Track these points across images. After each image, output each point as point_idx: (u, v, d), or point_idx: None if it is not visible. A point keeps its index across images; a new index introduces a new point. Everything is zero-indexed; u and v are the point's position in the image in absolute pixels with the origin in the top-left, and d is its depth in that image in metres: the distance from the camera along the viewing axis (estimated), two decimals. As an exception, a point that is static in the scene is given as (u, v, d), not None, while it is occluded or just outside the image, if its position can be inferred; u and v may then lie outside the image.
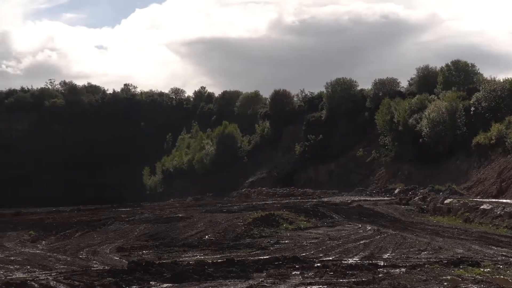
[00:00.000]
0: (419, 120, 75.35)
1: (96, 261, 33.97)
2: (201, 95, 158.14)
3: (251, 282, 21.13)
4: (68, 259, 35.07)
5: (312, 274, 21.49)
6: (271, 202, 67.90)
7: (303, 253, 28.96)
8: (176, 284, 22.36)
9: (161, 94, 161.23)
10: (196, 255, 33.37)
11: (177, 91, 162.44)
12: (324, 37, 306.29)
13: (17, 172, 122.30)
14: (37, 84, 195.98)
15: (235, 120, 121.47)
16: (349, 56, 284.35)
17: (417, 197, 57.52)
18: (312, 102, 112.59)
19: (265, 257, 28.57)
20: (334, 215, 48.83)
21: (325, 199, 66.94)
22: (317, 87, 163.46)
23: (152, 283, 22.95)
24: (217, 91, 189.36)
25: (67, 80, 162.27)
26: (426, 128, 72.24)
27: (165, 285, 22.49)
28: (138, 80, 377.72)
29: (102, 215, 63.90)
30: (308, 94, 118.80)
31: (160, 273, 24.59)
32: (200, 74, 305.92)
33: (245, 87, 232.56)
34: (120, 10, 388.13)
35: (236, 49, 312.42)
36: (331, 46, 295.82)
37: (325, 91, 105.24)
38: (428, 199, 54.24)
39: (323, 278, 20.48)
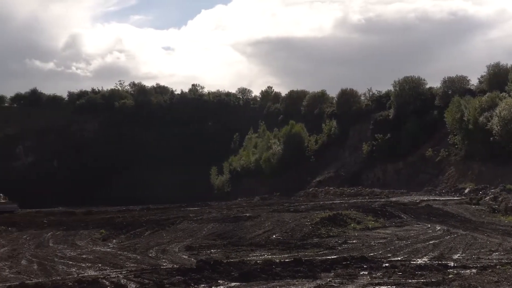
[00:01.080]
0: (490, 118, 73.52)
1: (165, 259, 34.49)
2: (268, 95, 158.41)
3: (318, 282, 21.04)
4: (138, 258, 35.72)
5: (380, 274, 21.24)
6: (339, 201, 67.50)
7: (371, 253, 28.67)
8: (243, 283, 22.47)
9: (228, 94, 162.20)
10: (264, 255, 33.47)
11: (244, 91, 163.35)
12: (390, 35, 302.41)
13: (88, 172, 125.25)
14: (106, 85, 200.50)
15: (302, 119, 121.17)
16: (416, 54, 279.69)
17: (488, 197, 56.19)
18: (380, 101, 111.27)
19: (332, 257, 28.41)
20: (402, 215, 48.12)
21: (393, 199, 66.07)
22: (384, 85, 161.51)
23: (220, 281, 23.14)
24: (283, 90, 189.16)
25: (135, 81, 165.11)
26: (497, 127, 70.47)
27: (233, 284, 22.64)
28: (204, 80, 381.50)
29: (171, 214, 64.85)
30: (376, 92, 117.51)
31: (228, 272, 24.76)
32: (266, 74, 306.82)
33: (311, 87, 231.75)
34: (186, 11, 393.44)
35: (301, 48, 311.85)
36: (398, 44, 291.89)
37: (392, 90, 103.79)
38: (499, 199, 52.91)
39: (392, 278, 20.22)
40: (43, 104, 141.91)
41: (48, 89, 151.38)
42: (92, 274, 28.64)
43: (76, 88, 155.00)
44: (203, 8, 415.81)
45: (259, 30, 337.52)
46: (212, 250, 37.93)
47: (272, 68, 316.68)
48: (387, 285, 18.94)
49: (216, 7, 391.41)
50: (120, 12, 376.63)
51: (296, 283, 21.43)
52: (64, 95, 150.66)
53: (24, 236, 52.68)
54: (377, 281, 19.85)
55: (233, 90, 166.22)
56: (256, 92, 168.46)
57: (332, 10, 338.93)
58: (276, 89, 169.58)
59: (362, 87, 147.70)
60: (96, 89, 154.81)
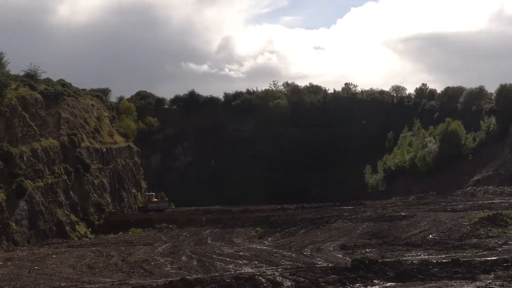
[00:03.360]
0: None
1: (320, 258, 34.63)
2: (422, 92, 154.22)
3: (478, 283, 20.22)
4: (293, 256, 36.15)
5: (547, 278, 20.04)
6: (498, 201, 64.63)
7: (535, 255, 27.14)
8: (399, 283, 22.04)
9: (381, 92, 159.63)
10: (420, 255, 32.69)
11: (397, 89, 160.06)
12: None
13: (243, 171, 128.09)
14: (258, 86, 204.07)
15: (459, 116, 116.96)
16: None
17: None
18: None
19: (492, 258, 27.24)
20: None
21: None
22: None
23: (376, 281, 22.83)
24: (438, 87, 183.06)
25: (289, 82, 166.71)
26: None
27: (388, 284, 22.25)
28: (356, 79, 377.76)
29: (325, 213, 65.08)
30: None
31: (384, 272, 24.40)
32: (419, 71, 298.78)
33: (466, 83, 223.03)
34: (336, 10, 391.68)
35: (455, 44, 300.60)
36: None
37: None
38: None
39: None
40: (200, 105, 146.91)
41: (202, 91, 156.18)
42: (249, 271, 29.31)
43: (228, 89, 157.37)
44: (353, 6, 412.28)
45: (411, 26, 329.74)
46: (367, 250, 37.58)
47: (425, 64, 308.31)
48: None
49: (366, 5, 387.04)
50: (271, 14, 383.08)
51: (454, 284, 20.68)
52: (220, 96, 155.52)
53: (184, 233, 55.04)
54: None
55: (386, 88, 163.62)
56: (410, 89, 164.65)
57: (486, 3, 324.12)
58: (430, 86, 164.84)
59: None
60: (251, 90, 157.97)
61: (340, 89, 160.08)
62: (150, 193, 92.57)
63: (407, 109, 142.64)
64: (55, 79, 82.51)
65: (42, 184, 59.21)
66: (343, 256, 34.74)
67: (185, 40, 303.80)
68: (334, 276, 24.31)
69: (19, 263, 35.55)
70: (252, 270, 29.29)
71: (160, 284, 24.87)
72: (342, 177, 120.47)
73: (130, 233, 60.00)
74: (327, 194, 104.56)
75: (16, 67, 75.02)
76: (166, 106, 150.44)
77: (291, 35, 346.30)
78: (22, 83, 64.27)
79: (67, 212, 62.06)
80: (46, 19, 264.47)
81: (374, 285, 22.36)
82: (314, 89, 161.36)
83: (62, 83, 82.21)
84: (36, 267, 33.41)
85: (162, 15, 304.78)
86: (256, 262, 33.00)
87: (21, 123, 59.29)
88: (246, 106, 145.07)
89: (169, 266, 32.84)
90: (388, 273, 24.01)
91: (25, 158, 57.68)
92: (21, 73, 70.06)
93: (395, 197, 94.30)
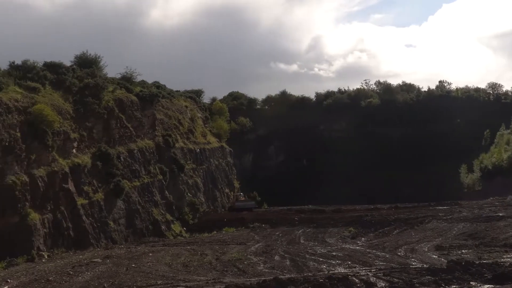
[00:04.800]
0: None
1: (414, 259, 33.99)
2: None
3: None
4: (387, 256, 35.64)
5: None
6: None
7: None
8: (497, 286, 21.39)
9: (477, 89, 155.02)
10: (520, 257, 31.58)
11: (494, 86, 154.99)
12: None
13: (335, 171, 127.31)
14: (348, 85, 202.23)
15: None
16: None
17: None
18: None
19: None
20: None
21: None
22: None
23: (472, 283, 22.24)
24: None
25: (381, 80, 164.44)
26: None
27: (485, 286, 21.65)
28: (448, 76, 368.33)
29: (419, 213, 63.80)
30: None
31: (481, 274, 23.73)
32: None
33: None
34: (427, 7, 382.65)
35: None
36: None
37: None
38: None
39: None
40: (292, 105, 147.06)
41: (292, 90, 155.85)
42: (342, 271, 29.12)
43: (318, 89, 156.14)
44: (445, 3, 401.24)
45: (505, 21, 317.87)
46: (463, 251, 36.62)
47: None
48: None
49: (458, 1, 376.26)
50: (362, 12, 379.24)
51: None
52: (310, 95, 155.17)
53: (277, 233, 55.23)
54: None
55: (481, 85, 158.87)
56: (507, 86, 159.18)
57: None
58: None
59: None
60: (342, 89, 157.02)
61: (433, 87, 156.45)
62: (238, 193, 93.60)
63: (504, 107, 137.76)
64: (150, 81, 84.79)
65: (138, 183, 60.90)
66: (438, 257, 33.97)
67: (275, 40, 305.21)
68: (429, 277, 23.85)
69: (117, 261, 36.66)
70: (345, 271, 29.08)
71: (254, 283, 25.05)
72: (436, 177, 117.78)
73: (223, 232, 60.70)
74: (421, 193, 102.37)
75: (112, 70, 77.58)
76: (258, 106, 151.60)
77: (382, 33, 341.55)
78: (118, 86, 66.35)
79: (162, 211, 63.55)
80: (139, 22, 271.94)
81: (471, 287, 21.76)
82: (407, 88, 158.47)
83: (157, 85, 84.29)
84: (133, 265, 34.36)
85: (251, 16, 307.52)
86: (349, 263, 32.74)
87: (118, 125, 61.19)
88: (337, 105, 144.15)
89: (262, 265, 33.05)
90: (486, 275, 23.34)
91: (122, 159, 59.50)
92: (118, 76, 72.38)
93: (492, 197, 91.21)
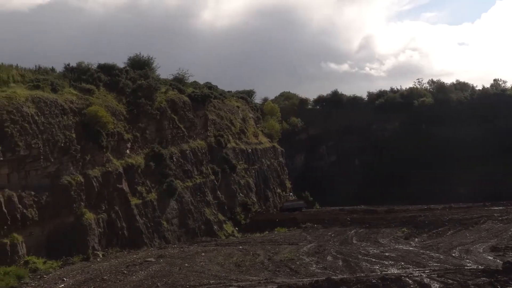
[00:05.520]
0: None
1: (469, 260, 33.40)
2: None
3: None
4: (441, 257, 35.10)
5: None
6: None
7: None
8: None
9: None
10: None
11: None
12: None
13: (388, 171, 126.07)
14: (399, 84, 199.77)
15: None
16: None
17: None
18: None
19: None
20: None
21: None
22: None
23: (530, 286, 21.73)
24: None
25: (434, 79, 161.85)
26: None
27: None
28: (503, 74, 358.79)
29: (474, 213, 62.66)
30: None
31: (539, 276, 23.19)
32: None
33: None
34: (480, 4, 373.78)
35: None
36: None
37: None
38: None
39: None
40: (343, 104, 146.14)
41: (343, 90, 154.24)
42: (395, 272, 28.81)
43: (369, 88, 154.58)
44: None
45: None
46: (520, 252, 35.85)
47: None
48: None
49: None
50: (413, 10, 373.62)
51: None
52: (360, 95, 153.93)
53: (329, 233, 54.98)
54: None
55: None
56: None
57: None
58: None
59: None
60: (395, 88, 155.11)
61: (488, 86, 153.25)
62: (288, 193, 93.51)
63: None
64: (201, 82, 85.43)
65: (191, 184, 61.44)
66: (494, 258, 33.30)
67: (325, 40, 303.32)
68: (484, 278, 23.41)
69: (170, 260, 37.03)
70: (398, 271, 28.76)
71: (306, 284, 25.00)
72: (492, 176, 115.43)
73: (275, 232, 60.71)
74: (475, 193, 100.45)
75: (164, 72, 78.46)
76: (309, 106, 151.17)
77: (434, 32, 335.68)
78: (171, 87, 67.08)
79: (215, 211, 63.96)
80: (190, 24, 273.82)
81: (529, 289, 21.25)
82: (460, 86, 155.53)
83: (209, 86, 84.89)
84: (186, 264, 34.65)
85: (302, 16, 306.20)
86: (402, 263, 32.37)
87: (171, 125, 61.86)
88: (390, 104, 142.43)
89: (314, 266, 32.94)
90: (545, 277, 22.77)
91: (174, 159, 60.13)
92: (170, 77, 73.18)
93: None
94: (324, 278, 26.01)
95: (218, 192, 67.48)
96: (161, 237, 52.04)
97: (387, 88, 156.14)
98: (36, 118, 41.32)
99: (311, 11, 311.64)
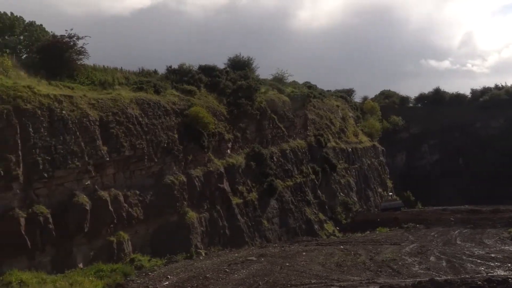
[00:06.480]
0: None
1: None
2: None
3: None
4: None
5: None
6: None
7: None
8: None
9: None
10: None
11: None
12: None
13: (493, 170, 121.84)
14: (506, 80, 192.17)
15: None
16: None
17: None
18: None
19: None
20: None
21: None
22: None
23: None
24: None
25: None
26: None
27: None
28: None
29: None
30: None
31: None
32: None
33: None
34: None
35: None
36: None
37: None
38: None
39: None
40: (446, 102, 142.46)
41: (444, 87, 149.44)
42: (501, 274, 27.70)
43: (472, 85, 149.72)
44: None
45: None
46: None
47: None
48: None
49: None
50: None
51: None
52: (465, 92, 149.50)
53: (432, 233, 53.64)
54: None
55: None
56: None
57: None
58: None
59: None
60: (500, 85, 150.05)
61: None
62: (388, 193, 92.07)
63: None
64: (300, 82, 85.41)
65: (291, 183, 61.51)
66: None
67: (425, 37, 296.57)
68: None
69: (271, 259, 37.12)
70: (505, 273, 27.63)
71: (409, 284, 24.43)
72: None
73: (377, 232, 59.92)
74: None
75: (263, 72, 78.94)
76: (410, 105, 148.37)
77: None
78: (270, 87, 67.44)
79: (315, 211, 63.76)
80: (287, 24, 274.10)
81: None
82: None
83: (308, 86, 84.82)
84: (287, 264, 34.63)
85: (401, 14, 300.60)
86: (509, 265, 31.10)
87: (271, 125, 62.18)
88: (494, 102, 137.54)
89: (417, 266, 32.17)
90: None
91: (275, 159, 60.37)
92: (269, 77, 73.58)
93: None
94: (427, 279, 25.31)
95: (319, 191, 67.25)
96: (262, 236, 52.36)
97: (491, 84, 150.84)
98: (140, 119, 42.53)
99: (409, 9, 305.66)
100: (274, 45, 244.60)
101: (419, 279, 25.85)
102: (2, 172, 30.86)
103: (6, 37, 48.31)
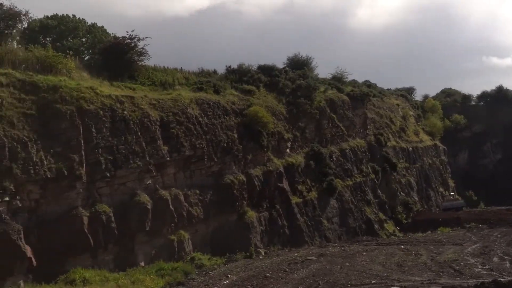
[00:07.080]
0: None
1: None
2: None
3: None
4: None
5: None
6: None
7: None
8: None
9: None
10: None
11: None
12: None
13: None
14: None
15: None
16: None
17: None
18: None
19: None
20: None
21: None
22: None
23: None
24: None
25: None
26: None
27: None
28: None
29: None
30: None
31: None
32: None
33: None
34: None
35: None
36: None
37: None
38: None
39: None
40: (509, 100, 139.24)
41: (508, 85, 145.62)
42: None
43: None
44: None
45: None
46: None
47: None
48: None
49: None
50: None
51: None
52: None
53: (495, 234, 52.48)
54: None
55: None
56: None
57: None
58: None
59: None
60: None
61: None
62: (449, 193, 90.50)
63: None
64: (360, 80, 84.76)
65: (351, 182, 61.12)
66: None
67: (487, 34, 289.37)
68: None
69: (331, 259, 36.99)
70: None
71: (471, 285, 24.01)
72: None
73: (438, 232, 59.07)
74: None
75: (322, 71, 78.64)
76: (472, 103, 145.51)
77: None
78: (329, 86, 67.14)
79: (375, 211, 63.17)
80: (346, 23, 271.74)
81: None
82: None
83: (368, 84, 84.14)
84: (347, 263, 34.46)
85: (461, 11, 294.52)
86: None
87: (330, 124, 61.92)
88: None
89: (479, 267, 31.55)
90: None
91: (334, 158, 60.10)
92: (329, 76, 73.26)
93: None
94: (490, 280, 24.79)
95: (379, 191, 66.61)
96: (321, 235, 52.16)
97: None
98: (200, 119, 42.93)
99: (470, 5, 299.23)
100: (333, 44, 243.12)
101: (481, 280, 25.36)
102: (65, 171, 31.54)
103: (69, 39, 49.41)
